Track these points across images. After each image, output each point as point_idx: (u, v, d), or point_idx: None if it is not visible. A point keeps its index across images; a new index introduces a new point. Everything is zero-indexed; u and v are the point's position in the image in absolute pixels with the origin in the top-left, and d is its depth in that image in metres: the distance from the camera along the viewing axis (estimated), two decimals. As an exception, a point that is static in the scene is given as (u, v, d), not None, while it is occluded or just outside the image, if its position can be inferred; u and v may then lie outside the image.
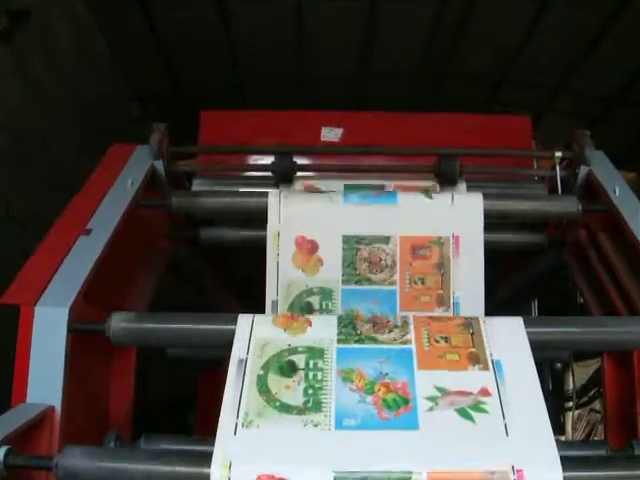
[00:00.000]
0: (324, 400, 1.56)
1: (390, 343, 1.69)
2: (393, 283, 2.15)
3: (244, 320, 1.72)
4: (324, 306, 2.09)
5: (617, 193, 2.17)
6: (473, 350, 1.65)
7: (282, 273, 2.15)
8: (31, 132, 4.22)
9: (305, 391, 1.58)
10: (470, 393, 1.57)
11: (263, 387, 1.57)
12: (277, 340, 1.68)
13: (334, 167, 2.52)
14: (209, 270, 2.79)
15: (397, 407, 1.56)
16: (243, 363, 1.62)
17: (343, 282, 2.14)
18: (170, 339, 1.82)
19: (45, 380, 1.64)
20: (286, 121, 2.93)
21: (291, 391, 1.58)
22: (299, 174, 2.38)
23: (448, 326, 1.73)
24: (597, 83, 6.20)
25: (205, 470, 1.40)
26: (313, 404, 1.55)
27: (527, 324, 1.70)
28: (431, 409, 1.54)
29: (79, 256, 1.86)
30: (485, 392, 1.57)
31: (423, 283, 2.14)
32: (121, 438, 1.74)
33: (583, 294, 2.33)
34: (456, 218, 2.16)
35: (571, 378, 2.53)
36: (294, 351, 1.66)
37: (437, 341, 1.68)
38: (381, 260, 2.15)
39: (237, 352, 1.65)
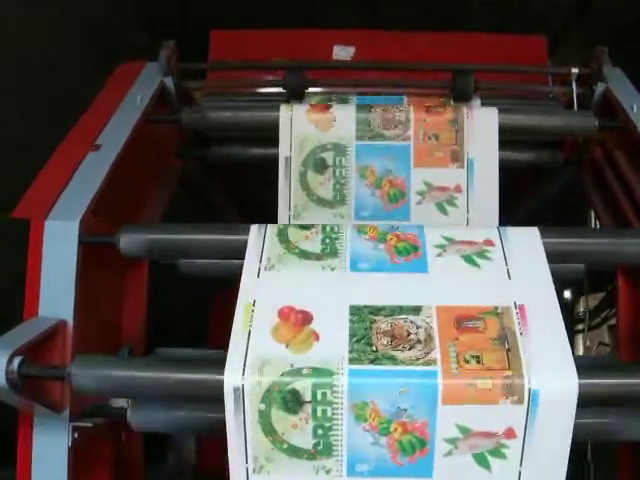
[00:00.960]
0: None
1: None
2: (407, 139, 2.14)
3: (256, 230, 1.70)
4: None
5: (635, 110, 2.12)
6: None
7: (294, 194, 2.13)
8: (38, 57, 4.16)
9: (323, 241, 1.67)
10: None
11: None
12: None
13: (346, 83, 2.47)
14: (220, 190, 2.78)
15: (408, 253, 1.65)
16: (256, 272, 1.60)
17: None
18: (181, 250, 1.80)
19: (56, 294, 1.64)
20: (297, 40, 2.87)
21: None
22: (311, 90, 2.33)
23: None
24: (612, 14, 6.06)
25: (218, 377, 1.39)
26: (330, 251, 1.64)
27: (543, 234, 1.68)
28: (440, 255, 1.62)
29: (88, 171, 1.84)
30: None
31: (437, 139, 2.14)
32: (134, 353, 1.74)
33: (598, 214, 2.30)
34: (470, 134, 2.12)
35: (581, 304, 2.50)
36: None
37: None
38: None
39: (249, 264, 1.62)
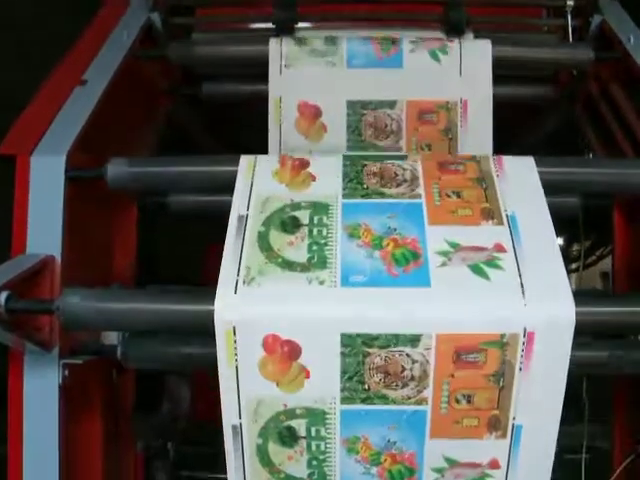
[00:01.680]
0: (329, 256, 1.46)
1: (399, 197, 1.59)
2: (399, 149, 2.06)
3: (245, 161, 1.66)
4: None
5: (632, 41, 2.09)
6: (487, 205, 1.56)
7: (284, 137, 2.08)
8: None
9: (309, 247, 1.49)
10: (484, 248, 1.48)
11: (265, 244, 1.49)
12: (280, 196, 1.59)
13: (336, 17, 2.42)
14: (209, 132, 2.74)
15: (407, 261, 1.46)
16: (244, 219, 1.54)
17: (348, 148, 2.06)
18: (169, 182, 1.77)
19: (44, 230, 1.61)
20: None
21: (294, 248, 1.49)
22: (301, 25, 2.28)
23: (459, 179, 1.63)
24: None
25: (209, 307, 1.37)
26: (318, 260, 1.46)
27: (539, 164, 1.65)
28: (443, 264, 1.45)
29: (75, 106, 1.80)
30: (500, 248, 1.48)
31: (430, 149, 2.06)
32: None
33: (594, 149, 2.28)
34: (464, 67, 2.08)
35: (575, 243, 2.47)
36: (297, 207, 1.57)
37: (448, 195, 1.58)
38: (387, 126, 2.06)
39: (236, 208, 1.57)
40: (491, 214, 1.52)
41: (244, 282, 1.40)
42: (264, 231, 1.50)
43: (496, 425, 1.45)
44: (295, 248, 1.47)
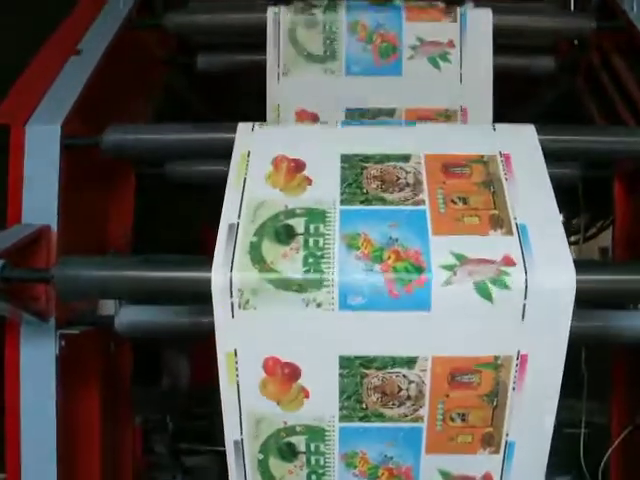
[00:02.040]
0: (326, 271, 1.38)
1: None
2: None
3: (244, 128, 1.64)
4: None
5: (635, 10, 2.06)
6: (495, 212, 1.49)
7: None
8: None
9: (305, 260, 1.40)
10: None
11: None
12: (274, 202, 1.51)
13: None
14: (206, 103, 2.71)
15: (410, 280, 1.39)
16: (234, 228, 1.45)
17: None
18: (165, 149, 1.75)
19: (40, 200, 1.60)
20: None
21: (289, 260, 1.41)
22: None
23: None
24: None
25: (206, 274, 1.36)
26: (314, 277, 1.38)
27: (540, 132, 1.63)
28: (448, 282, 1.38)
29: (70, 76, 1.78)
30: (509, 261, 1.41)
31: None
32: (120, 260, 1.70)
33: (594, 120, 2.25)
34: (465, 34, 2.05)
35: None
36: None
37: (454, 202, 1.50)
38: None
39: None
40: (500, 222, 1.45)
41: (239, 306, 1.37)
42: (256, 242, 1.42)
43: (490, 441, 1.49)
44: (290, 261, 1.39)
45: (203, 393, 1.64)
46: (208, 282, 1.35)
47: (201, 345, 1.47)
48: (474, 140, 1.64)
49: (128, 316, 1.63)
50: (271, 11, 2.07)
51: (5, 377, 1.59)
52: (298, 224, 1.45)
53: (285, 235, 1.43)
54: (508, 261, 1.39)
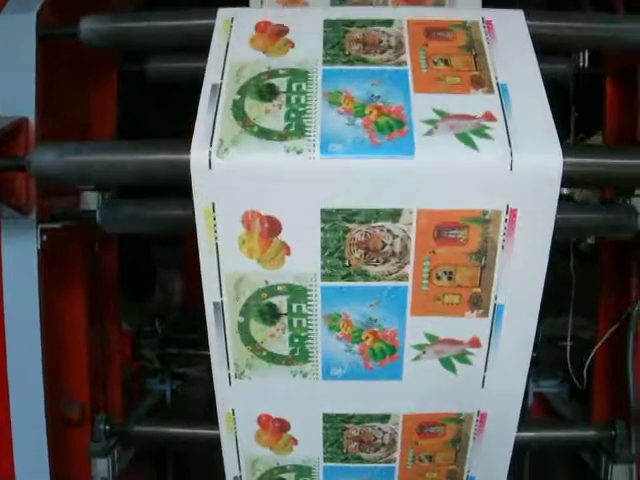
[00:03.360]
0: (308, 124, 1.38)
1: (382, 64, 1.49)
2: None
3: (222, 15, 1.57)
4: None
5: None
6: (477, 73, 1.47)
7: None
8: None
9: (287, 115, 1.41)
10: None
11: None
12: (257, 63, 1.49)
13: None
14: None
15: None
16: (217, 88, 1.44)
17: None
18: (144, 38, 1.66)
19: (16, 91, 1.55)
20: None
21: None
22: None
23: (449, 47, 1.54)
24: None
25: (184, 156, 1.33)
26: (296, 128, 1.38)
27: (529, 18, 1.56)
28: (430, 133, 1.37)
29: None
30: (490, 117, 1.41)
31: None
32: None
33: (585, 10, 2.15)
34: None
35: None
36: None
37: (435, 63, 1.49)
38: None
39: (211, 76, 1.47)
40: (481, 82, 1.45)
41: (217, 154, 1.34)
42: (239, 100, 1.42)
43: (478, 303, 1.47)
44: (272, 116, 1.39)
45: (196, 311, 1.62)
46: (188, 164, 1.33)
47: (195, 265, 1.45)
48: (459, 13, 1.62)
49: (110, 210, 1.61)
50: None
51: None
52: (281, 83, 1.44)
53: (268, 93, 1.43)
54: (489, 117, 1.39)
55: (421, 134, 1.36)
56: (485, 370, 1.52)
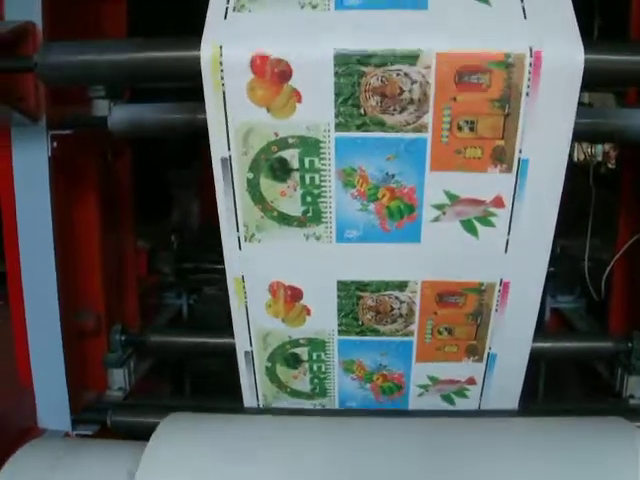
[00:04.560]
0: (324, 210, 1.44)
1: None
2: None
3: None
4: None
5: None
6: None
7: None
8: None
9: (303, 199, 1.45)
10: None
11: None
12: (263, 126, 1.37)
13: None
14: None
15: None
16: (227, 163, 1.40)
17: None
18: None
19: None
20: None
21: None
22: None
23: None
24: None
25: (195, 53, 1.28)
26: (313, 214, 1.44)
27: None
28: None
29: None
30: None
31: None
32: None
33: None
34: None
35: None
36: None
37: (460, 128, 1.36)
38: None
39: None
40: (502, 155, 1.36)
41: (245, 239, 1.46)
42: (253, 179, 1.39)
43: (474, 352, 1.59)
44: (288, 199, 1.41)
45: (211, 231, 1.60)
46: (198, 61, 1.29)
47: (211, 187, 1.42)
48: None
49: (121, 114, 1.58)
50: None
51: (-1, 182, 1.57)
52: (292, 157, 1.40)
53: (281, 172, 1.40)
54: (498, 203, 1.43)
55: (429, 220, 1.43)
56: (509, 233, 1.44)
